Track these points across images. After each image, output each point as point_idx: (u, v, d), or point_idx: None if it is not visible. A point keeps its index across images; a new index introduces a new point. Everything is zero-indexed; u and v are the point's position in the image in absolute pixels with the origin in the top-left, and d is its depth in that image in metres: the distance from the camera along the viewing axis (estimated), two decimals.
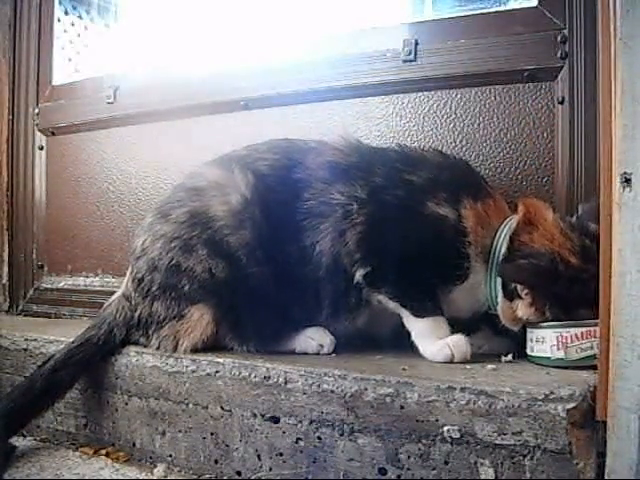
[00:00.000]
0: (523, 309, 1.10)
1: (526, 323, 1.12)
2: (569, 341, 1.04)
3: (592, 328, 1.02)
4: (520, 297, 1.11)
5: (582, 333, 1.04)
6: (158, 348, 1.25)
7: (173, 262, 1.23)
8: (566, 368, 1.03)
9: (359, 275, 1.18)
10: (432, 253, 1.15)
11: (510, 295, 1.12)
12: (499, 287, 1.14)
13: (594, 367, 0.98)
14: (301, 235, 1.20)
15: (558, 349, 1.05)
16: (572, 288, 1.06)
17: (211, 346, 1.23)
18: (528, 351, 1.12)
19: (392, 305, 1.19)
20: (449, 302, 1.18)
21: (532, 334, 1.11)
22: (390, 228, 1.17)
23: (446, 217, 1.15)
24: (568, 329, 1.05)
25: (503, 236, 1.14)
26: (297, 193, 1.22)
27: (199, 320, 1.23)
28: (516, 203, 1.20)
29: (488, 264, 1.15)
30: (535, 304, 1.09)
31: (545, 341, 1.07)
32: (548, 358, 1.07)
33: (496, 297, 1.15)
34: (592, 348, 1.02)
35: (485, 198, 1.18)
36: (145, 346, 1.27)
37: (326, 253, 1.19)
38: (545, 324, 1.08)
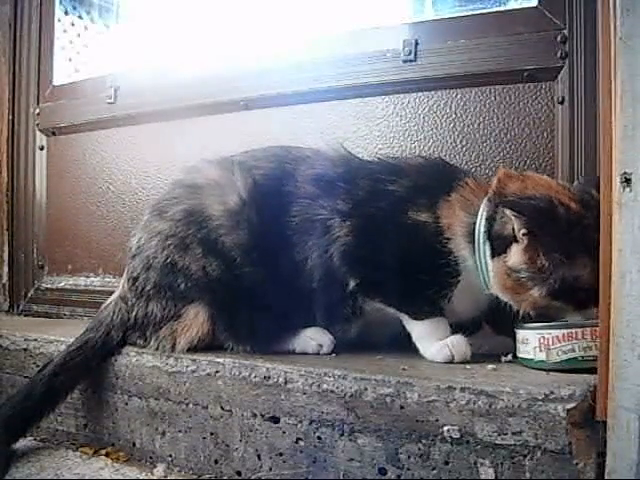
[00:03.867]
0: (516, 255, 1.05)
1: (519, 286, 1.06)
2: (550, 343, 1.02)
3: (574, 330, 1.01)
4: (516, 240, 1.05)
5: (564, 335, 1.01)
6: (157, 349, 1.24)
7: (168, 260, 1.23)
8: (548, 371, 1.01)
9: (352, 285, 1.18)
10: (420, 260, 1.14)
11: (502, 246, 1.08)
12: (488, 254, 1.09)
13: (575, 370, 0.98)
14: (293, 250, 1.20)
15: (540, 351, 1.03)
16: (572, 233, 1.02)
17: (209, 345, 1.23)
18: (517, 352, 1.10)
19: (391, 310, 1.19)
20: (451, 307, 1.16)
21: (518, 335, 1.09)
22: (373, 240, 1.16)
23: (425, 222, 1.14)
24: (550, 330, 1.03)
25: (484, 205, 1.11)
26: (288, 207, 1.21)
27: (195, 318, 1.23)
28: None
29: (474, 244, 1.11)
30: (530, 249, 1.04)
31: (529, 342, 1.06)
32: (531, 360, 1.05)
33: (486, 269, 1.10)
34: (574, 351, 1.01)
35: (461, 185, 1.15)
36: (143, 347, 1.27)
37: (318, 267, 1.19)
38: (528, 325, 1.07)
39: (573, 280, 1.03)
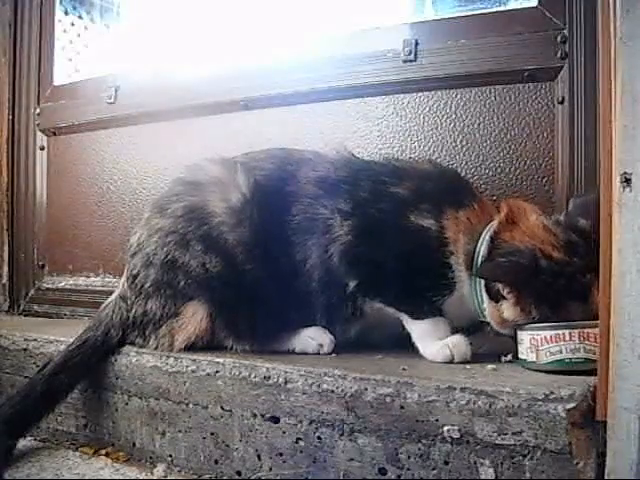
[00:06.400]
0: (508, 310, 1.08)
1: (515, 325, 1.09)
2: (539, 344, 1.02)
3: (561, 331, 1.00)
4: (504, 297, 1.08)
5: (552, 336, 1.01)
6: (156, 348, 1.25)
7: (168, 257, 1.23)
8: (537, 372, 1.01)
9: (352, 286, 1.18)
10: (416, 265, 1.14)
11: (495, 296, 1.10)
12: (483, 290, 1.12)
13: (563, 372, 0.98)
14: (294, 249, 1.20)
15: (531, 351, 1.03)
16: (556, 283, 1.03)
17: (208, 343, 1.24)
18: (517, 352, 1.10)
19: (390, 310, 1.19)
20: (445, 313, 1.17)
21: (517, 335, 1.09)
22: (373, 241, 1.17)
23: (428, 229, 1.14)
24: (539, 331, 1.02)
25: (484, 240, 1.12)
26: (289, 207, 1.22)
27: (193, 316, 1.23)
28: (500, 205, 1.18)
29: (472, 271, 1.13)
30: (520, 303, 1.06)
31: (523, 343, 1.06)
32: (524, 360, 1.05)
33: (482, 302, 1.13)
34: (561, 352, 1.00)
35: (469, 205, 1.16)
36: (142, 347, 1.27)
37: (318, 267, 1.19)
38: (523, 325, 1.07)
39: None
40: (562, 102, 1.34)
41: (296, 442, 1.06)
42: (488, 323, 1.15)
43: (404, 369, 1.05)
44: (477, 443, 0.92)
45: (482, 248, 1.12)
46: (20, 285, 2.13)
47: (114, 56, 2.22)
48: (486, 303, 1.12)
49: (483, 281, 1.11)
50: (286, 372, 1.07)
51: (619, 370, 0.83)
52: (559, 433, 0.86)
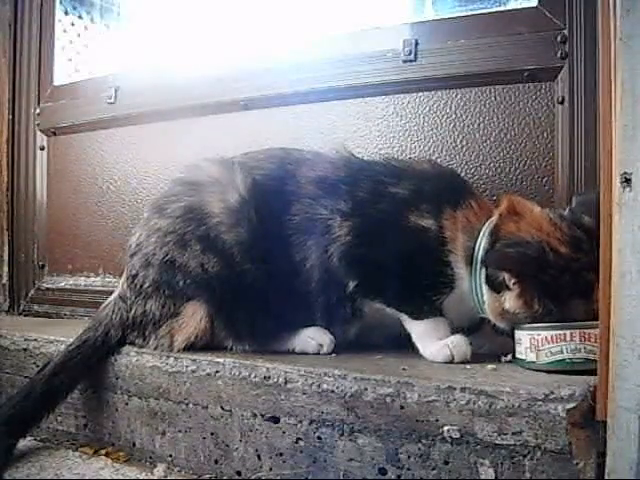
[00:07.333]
0: (511, 301, 1.07)
1: (514, 320, 1.08)
2: (540, 344, 1.02)
3: (562, 332, 1.01)
4: (508, 288, 1.07)
5: (552, 336, 1.01)
6: (156, 348, 1.25)
7: (167, 257, 1.23)
8: (537, 371, 1.01)
9: (351, 286, 1.18)
10: (416, 264, 1.14)
11: (497, 287, 1.09)
12: (483, 282, 1.11)
13: (564, 372, 0.98)
14: (293, 249, 1.20)
15: (531, 351, 1.03)
16: (562, 278, 1.03)
17: (208, 343, 1.24)
18: (515, 352, 1.10)
19: (390, 311, 1.19)
20: (445, 312, 1.17)
21: (515, 335, 1.09)
22: (373, 241, 1.17)
23: (428, 229, 1.14)
24: (539, 331, 1.02)
25: (484, 234, 1.12)
26: (288, 207, 1.22)
27: (192, 316, 1.23)
28: (500, 200, 1.19)
29: (472, 267, 1.13)
30: (524, 295, 1.05)
31: (522, 343, 1.06)
32: (523, 360, 1.05)
33: (481, 296, 1.12)
34: (562, 352, 1.00)
35: (468, 204, 1.16)
36: (142, 347, 1.27)
37: (317, 267, 1.19)
38: (521, 325, 1.06)
39: (570, 320, 1.04)
40: (562, 102, 1.34)
41: (296, 442, 1.06)
42: (488, 320, 1.15)
43: (404, 369, 1.05)
44: (477, 443, 0.92)
45: (482, 241, 1.12)
46: (20, 285, 2.13)
47: (114, 56, 2.23)
48: (486, 295, 1.11)
49: (484, 273, 1.11)
50: (286, 372, 1.07)
51: (619, 370, 0.83)
52: (559, 433, 0.86)
